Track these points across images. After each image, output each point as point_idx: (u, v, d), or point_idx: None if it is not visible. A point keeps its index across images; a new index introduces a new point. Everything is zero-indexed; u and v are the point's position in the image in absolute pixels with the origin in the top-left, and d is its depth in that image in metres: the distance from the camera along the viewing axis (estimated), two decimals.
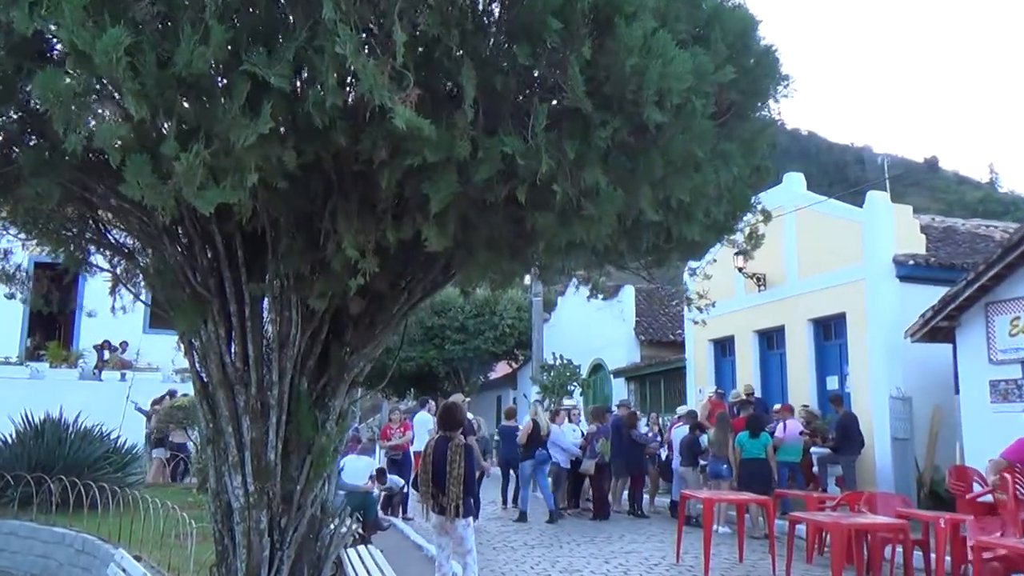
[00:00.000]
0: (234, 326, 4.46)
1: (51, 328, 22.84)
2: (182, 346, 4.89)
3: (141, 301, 5.00)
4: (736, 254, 17.26)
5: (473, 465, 6.24)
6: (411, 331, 29.58)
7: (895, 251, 14.01)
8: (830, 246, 15.12)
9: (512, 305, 30.54)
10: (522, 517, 12.82)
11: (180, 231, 4.39)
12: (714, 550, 10.45)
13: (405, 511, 13.22)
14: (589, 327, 25.22)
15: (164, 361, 18.79)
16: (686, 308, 5.90)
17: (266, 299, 4.48)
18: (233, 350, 4.55)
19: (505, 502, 14.41)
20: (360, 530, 9.02)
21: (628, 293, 24.00)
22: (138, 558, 6.70)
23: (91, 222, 4.98)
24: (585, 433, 13.80)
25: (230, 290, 4.38)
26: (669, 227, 3.64)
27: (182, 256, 4.41)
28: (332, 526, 4.75)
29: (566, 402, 18.53)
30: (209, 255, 4.34)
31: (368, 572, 6.67)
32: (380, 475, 11.80)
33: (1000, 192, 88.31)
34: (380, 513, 11.82)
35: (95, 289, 5.60)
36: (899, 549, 8.37)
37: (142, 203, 3.25)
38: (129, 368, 20.57)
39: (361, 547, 7.54)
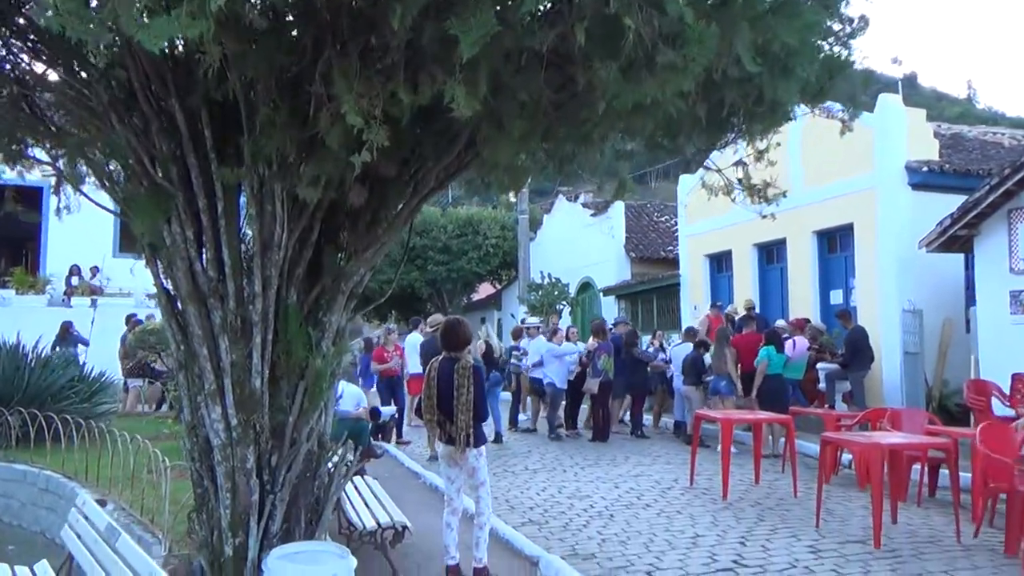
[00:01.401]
0: (204, 226, 3.64)
1: (17, 254, 21.79)
2: (144, 256, 4.06)
3: (84, 195, 4.14)
4: (734, 164, 16.50)
5: (484, 389, 5.52)
6: (392, 252, 28.69)
7: (907, 158, 13.27)
8: (838, 154, 14.31)
9: (496, 224, 29.69)
10: (497, 438, 12.22)
11: (131, 107, 3.51)
12: (717, 469, 9.97)
13: (400, 435, 12.61)
14: (577, 245, 24.51)
15: (136, 286, 17.85)
16: (741, 197, 5.06)
17: (243, 191, 3.65)
18: (205, 256, 3.74)
19: (513, 424, 13.95)
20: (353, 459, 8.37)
21: (618, 209, 23.18)
22: (102, 502, 5.98)
23: (25, 106, 4.08)
24: (585, 351, 13.16)
25: (197, 181, 3.55)
26: (761, 85, 2.83)
27: (136, 140, 3.54)
28: (332, 463, 4.03)
29: (529, 320, 17.89)
30: (170, 137, 3.48)
31: (367, 504, 6.02)
32: (373, 414, 11.14)
33: (978, 108, 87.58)
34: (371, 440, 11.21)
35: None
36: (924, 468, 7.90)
37: (79, 74, 2.39)
38: (100, 294, 19.65)
39: (356, 478, 6.86)
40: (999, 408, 10.40)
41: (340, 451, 4.10)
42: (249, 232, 3.69)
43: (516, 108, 2.99)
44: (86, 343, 15.39)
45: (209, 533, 3.79)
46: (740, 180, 16.03)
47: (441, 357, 5.62)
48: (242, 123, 3.32)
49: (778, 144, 5.16)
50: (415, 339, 13.93)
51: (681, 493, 8.68)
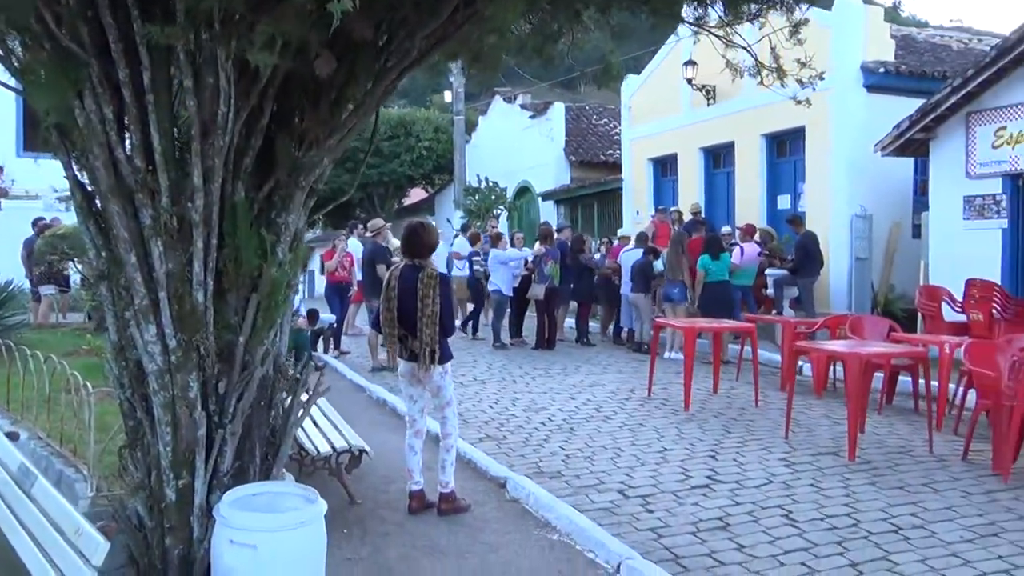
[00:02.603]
0: (127, 103, 2.92)
1: None
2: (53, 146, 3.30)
3: None
4: (685, 64, 15.91)
5: (451, 300, 4.97)
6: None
7: (864, 58, 12.87)
8: (791, 53, 13.82)
9: (429, 126, 28.56)
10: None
11: None
12: (674, 377, 9.76)
13: (337, 345, 12.02)
14: (515, 148, 23.74)
15: (44, 187, 16.47)
16: (770, 81, 4.47)
17: (177, 57, 2.91)
18: (129, 142, 3.03)
19: (470, 330, 13.49)
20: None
21: (557, 111, 22.45)
22: (14, 435, 5.26)
23: None
24: (531, 257, 12.68)
25: (116, 44, 2.81)
26: None
27: None
28: (287, 393, 3.45)
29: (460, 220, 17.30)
30: None
31: (317, 426, 5.48)
32: (311, 316, 10.49)
33: (903, 16, 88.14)
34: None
35: None
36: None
37: None
38: (4, 196, 18.15)
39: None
40: (949, 313, 10.37)
41: (299, 373, 3.51)
42: (185, 111, 2.98)
43: None
44: None
45: (146, 474, 3.20)
46: (689, 80, 15.34)
47: (402, 265, 5.03)
48: None
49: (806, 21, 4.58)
50: (354, 245, 13.27)
51: (640, 404, 8.39)
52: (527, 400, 8.67)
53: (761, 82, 4.88)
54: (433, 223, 5.15)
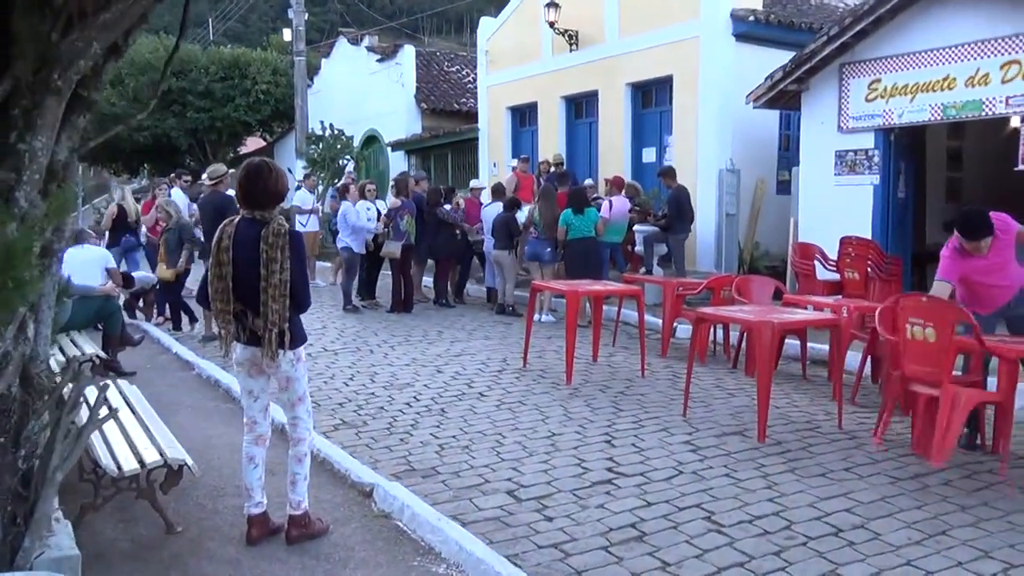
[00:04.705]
0: None
1: None
2: None
3: None
4: (546, 5, 14.95)
5: (305, 263, 3.78)
6: (142, 94, 24.72)
7: (733, 6, 12.34)
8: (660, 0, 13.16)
9: (267, 68, 26.30)
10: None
11: None
12: (547, 343, 8.94)
13: (162, 311, 10.38)
14: (361, 94, 22.15)
15: None
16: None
17: None
18: None
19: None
20: (100, 353, 6.33)
21: (408, 54, 21.01)
22: None
23: None
24: (386, 211, 11.46)
25: None
26: None
27: None
28: (47, 415, 2.21)
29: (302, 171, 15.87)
30: None
31: (123, 432, 4.16)
32: (126, 279, 8.89)
33: None
34: (128, 318, 9.04)
35: None
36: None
37: None
38: None
39: (112, 384, 4.94)
40: (822, 272, 10.07)
41: (69, 391, 2.28)
42: None
43: None
44: None
45: None
46: (552, 24, 14.41)
47: (238, 219, 3.78)
48: None
49: None
50: (177, 196, 11.61)
51: (516, 377, 7.48)
52: (388, 375, 7.57)
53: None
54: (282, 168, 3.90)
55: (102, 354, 6.32)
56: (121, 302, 8.76)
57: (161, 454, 3.88)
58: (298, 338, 3.77)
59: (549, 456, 5.29)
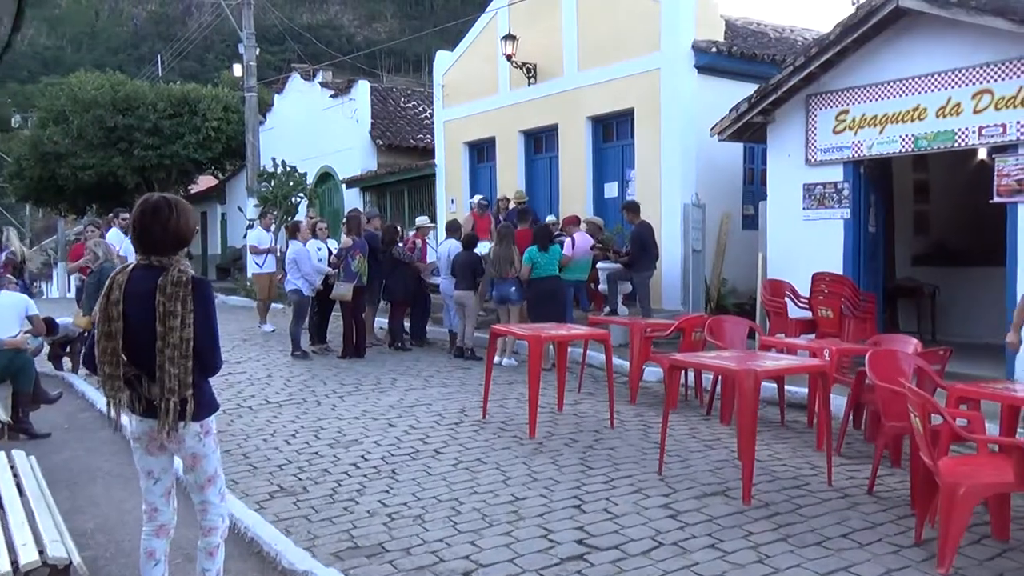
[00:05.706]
0: None
1: None
2: None
3: None
4: (504, 38, 14.56)
5: (213, 319, 3.14)
6: (87, 132, 23.88)
7: (693, 37, 12.04)
8: (619, 32, 12.83)
9: (218, 104, 25.58)
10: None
11: None
12: (508, 390, 8.35)
13: (88, 363, 9.58)
14: (315, 130, 21.57)
15: None
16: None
17: None
18: None
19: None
20: (2, 417, 5.60)
21: (362, 90, 20.49)
22: None
23: None
24: (337, 251, 10.84)
25: None
26: None
27: None
28: None
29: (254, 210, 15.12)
30: None
31: (4, 518, 3.48)
32: (50, 326, 8.16)
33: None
34: (53, 369, 8.26)
35: None
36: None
37: None
38: None
39: (1, 454, 4.25)
40: (793, 309, 9.66)
41: None
42: None
43: None
44: None
45: None
46: (509, 57, 14.01)
47: (131, 266, 3.17)
48: None
49: None
50: (115, 236, 10.89)
51: (475, 430, 6.86)
52: (334, 430, 6.91)
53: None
54: (189, 206, 3.28)
55: (3, 417, 5.58)
56: (45, 351, 8.01)
57: (39, 548, 3.20)
58: (205, 407, 3.14)
59: (512, 526, 4.68)
